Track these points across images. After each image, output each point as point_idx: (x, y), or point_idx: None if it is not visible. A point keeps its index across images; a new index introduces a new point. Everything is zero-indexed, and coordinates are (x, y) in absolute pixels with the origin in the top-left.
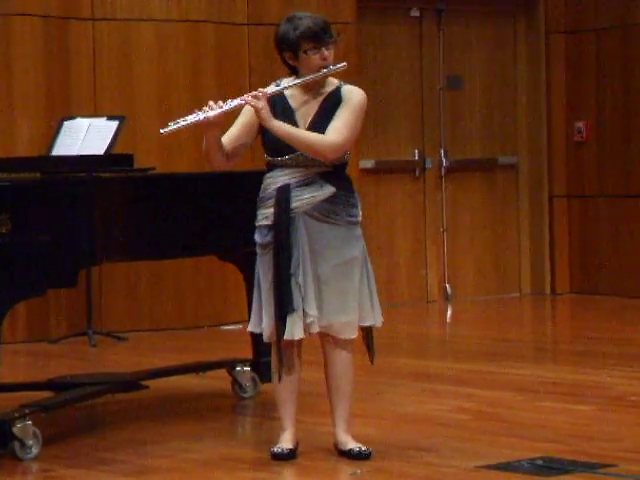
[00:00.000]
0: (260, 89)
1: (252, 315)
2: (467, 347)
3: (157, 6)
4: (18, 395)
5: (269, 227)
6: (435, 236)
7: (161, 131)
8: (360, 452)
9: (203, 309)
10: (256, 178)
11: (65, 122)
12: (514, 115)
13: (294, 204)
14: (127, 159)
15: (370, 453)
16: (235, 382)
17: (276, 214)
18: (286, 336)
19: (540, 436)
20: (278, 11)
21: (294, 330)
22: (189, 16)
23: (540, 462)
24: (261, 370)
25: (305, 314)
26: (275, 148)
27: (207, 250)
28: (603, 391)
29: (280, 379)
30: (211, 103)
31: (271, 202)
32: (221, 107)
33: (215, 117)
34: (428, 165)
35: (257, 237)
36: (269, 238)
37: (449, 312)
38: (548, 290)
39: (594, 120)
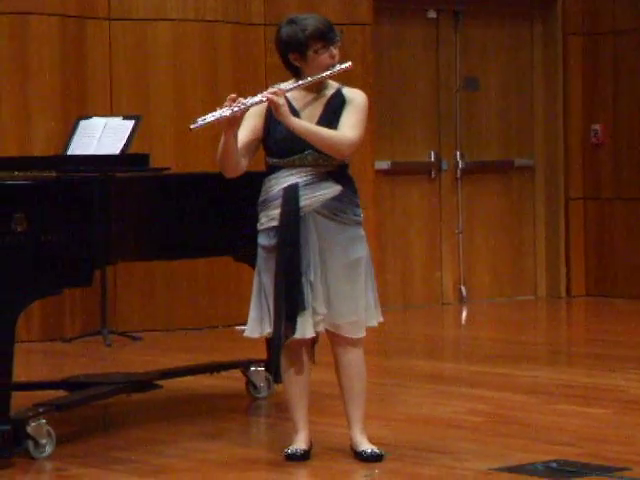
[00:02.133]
0: (278, 87)
1: (250, 321)
2: (482, 349)
3: (173, 6)
4: (32, 394)
5: (276, 228)
6: (450, 238)
7: (191, 127)
8: (373, 454)
9: (218, 309)
10: None
11: (81, 121)
12: (530, 117)
13: (303, 202)
14: (143, 159)
15: (383, 455)
16: (249, 382)
17: (284, 213)
18: (297, 335)
19: (554, 439)
20: (295, 11)
21: (305, 329)
22: (205, 16)
23: (554, 465)
24: (275, 371)
25: (315, 312)
26: (281, 150)
27: (222, 250)
28: (618, 394)
29: (282, 379)
30: (232, 95)
31: (276, 203)
32: (244, 104)
33: (241, 113)
34: (444, 167)
35: (262, 240)
36: (276, 240)
37: (464, 314)
38: (563, 293)
39: (611, 122)
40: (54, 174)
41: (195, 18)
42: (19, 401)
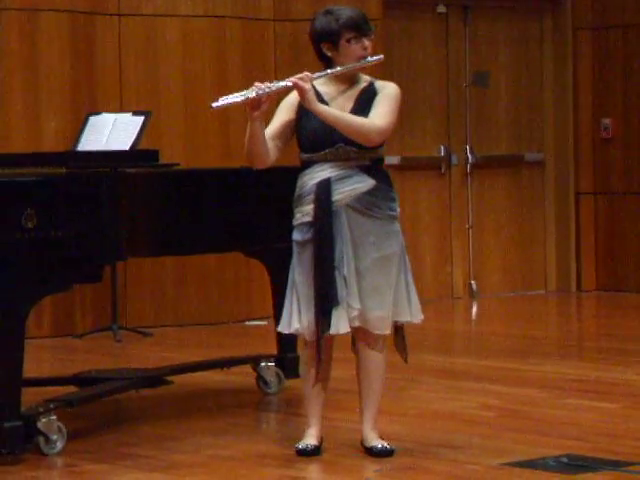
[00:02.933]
0: (306, 72)
1: (284, 315)
2: (492, 344)
3: (183, 2)
4: (43, 390)
5: (310, 224)
6: (460, 233)
7: (212, 105)
8: (383, 449)
9: (228, 305)
10: (281, 175)
11: (91, 117)
12: (540, 112)
13: (336, 197)
14: (152, 154)
15: (393, 450)
16: (259, 378)
17: (317, 208)
18: (332, 331)
19: (565, 434)
20: (304, 7)
21: (339, 324)
22: (215, 12)
23: (565, 460)
24: (286, 366)
25: (349, 307)
26: (312, 144)
27: (232, 246)
28: (629, 389)
29: (318, 376)
30: (258, 83)
31: (310, 198)
32: (269, 87)
33: (265, 96)
34: (454, 161)
35: (296, 235)
36: (310, 235)
37: (474, 309)
38: (574, 287)
39: (621, 117)
40: (64, 170)
41: (204, 14)
42: (30, 397)
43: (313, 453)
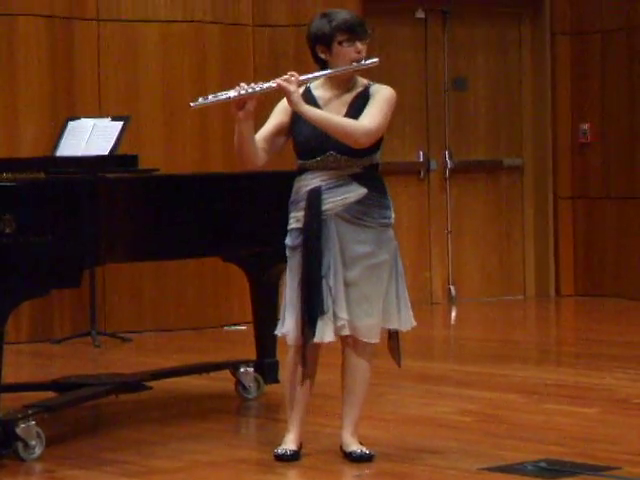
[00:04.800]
0: (293, 73)
1: (280, 317)
2: (471, 349)
3: (162, 7)
4: (21, 395)
5: (299, 230)
6: (439, 238)
7: (191, 104)
8: (362, 454)
9: (207, 310)
10: (259, 180)
11: (70, 122)
12: (519, 117)
13: (326, 206)
14: (131, 160)
15: (373, 455)
16: (239, 383)
17: (307, 217)
18: (316, 339)
19: (544, 438)
20: (283, 12)
21: (324, 333)
22: (194, 17)
23: (544, 464)
24: (265, 371)
25: (336, 317)
26: (305, 150)
27: (210, 251)
28: (607, 393)
29: (303, 382)
30: (243, 84)
31: (302, 205)
32: (252, 88)
33: (247, 97)
34: (433, 167)
35: (288, 240)
36: (299, 241)
37: (453, 314)
38: (553, 292)
39: (599, 122)
40: (43, 175)
41: (184, 19)
42: (8, 403)
43: (292, 458)
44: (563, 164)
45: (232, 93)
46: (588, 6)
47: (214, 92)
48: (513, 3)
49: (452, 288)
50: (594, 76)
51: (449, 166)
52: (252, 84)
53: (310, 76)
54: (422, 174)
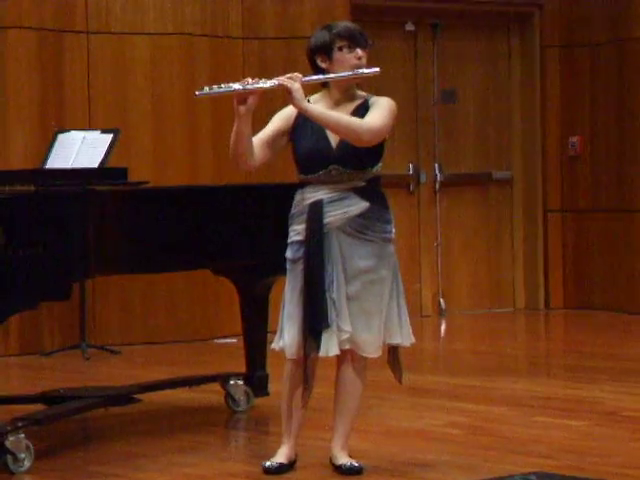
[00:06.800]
0: (296, 74)
1: (277, 331)
2: (461, 362)
3: (152, 19)
4: (11, 408)
5: (300, 243)
6: (429, 250)
7: (196, 93)
8: (352, 467)
9: (196, 322)
10: (249, 193)
11: (59, 135)
12: (508, 129)
13: (327, 220)
14: (121, 172)
15: (362, 468)
16: (228, 396)
17: (308, 230)
18: (321, 353)
19: (533, 451)
20: (273, 25)
21: (329, 346)
22: (183, 29)
23: (533, 477)
24: (254, 384)
25: (340, 330)
26: (307, 165)
27: (200, 264)
28: (596, 406)
29: (303, 395)
30: (248, 79)
31: (303, 218)
32: (257, 83)
33: (250, 91)
34: (422, 179)
35: (288, 253)
36: (300, 254)
37: (443, 327)
38: (542, 305)
39: (588, 135)
40: (32, 188)
41: (173, 31)
42: None
43: (279, 471)
44: (552, 177)
45: (237, 85)
46: (577, 19)
47: (204, 106)
48: (503, 16)
49: (442, 301)
50: (583, 89)
51: (439, 179)
52: (257, 79)
53: (313, 78)
54: (412, 187)
